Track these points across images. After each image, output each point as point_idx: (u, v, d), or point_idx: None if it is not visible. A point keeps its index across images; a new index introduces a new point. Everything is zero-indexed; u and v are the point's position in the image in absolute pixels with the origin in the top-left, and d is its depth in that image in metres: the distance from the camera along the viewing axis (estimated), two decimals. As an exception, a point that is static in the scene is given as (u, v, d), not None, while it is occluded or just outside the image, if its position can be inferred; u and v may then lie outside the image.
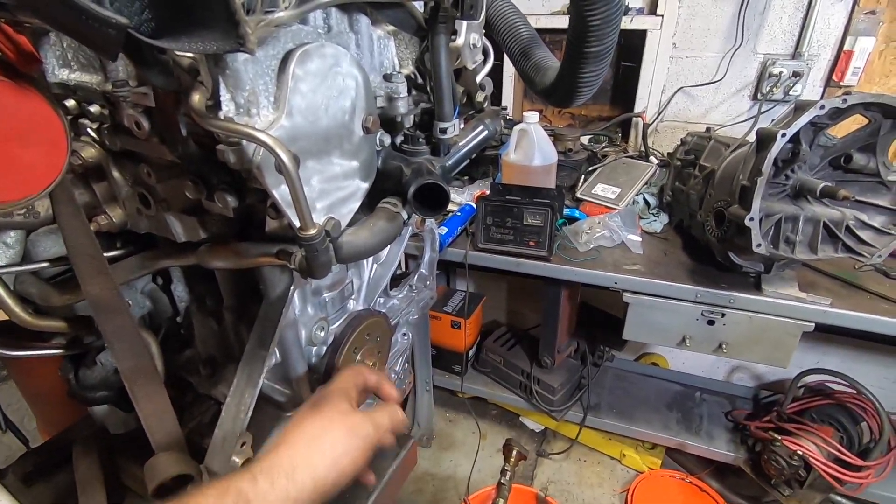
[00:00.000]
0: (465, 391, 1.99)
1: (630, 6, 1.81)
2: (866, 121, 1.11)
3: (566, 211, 1.62)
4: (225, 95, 0.35)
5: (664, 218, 1.62)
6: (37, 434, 1.45)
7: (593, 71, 0.41)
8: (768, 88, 1.65)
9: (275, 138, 0.34)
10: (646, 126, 1.85)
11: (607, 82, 2.04)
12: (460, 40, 0.51)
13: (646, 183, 1.74)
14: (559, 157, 1.81)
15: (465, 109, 0.57)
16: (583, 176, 1.83)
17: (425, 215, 0.47)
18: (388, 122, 0.51)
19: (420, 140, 0.50)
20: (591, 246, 1.48)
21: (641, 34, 1.79)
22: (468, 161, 0.53)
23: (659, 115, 1.86)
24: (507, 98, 2.05)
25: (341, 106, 0.43)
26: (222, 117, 0.35)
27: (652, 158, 1.83)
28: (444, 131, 0.49)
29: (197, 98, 0.34)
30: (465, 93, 0.55)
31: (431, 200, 0.47)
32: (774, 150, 1.06)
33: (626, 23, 1.77)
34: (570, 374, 1.87)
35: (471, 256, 1.50)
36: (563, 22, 1.87)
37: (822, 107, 1.03)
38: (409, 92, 0.49)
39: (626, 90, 1.94)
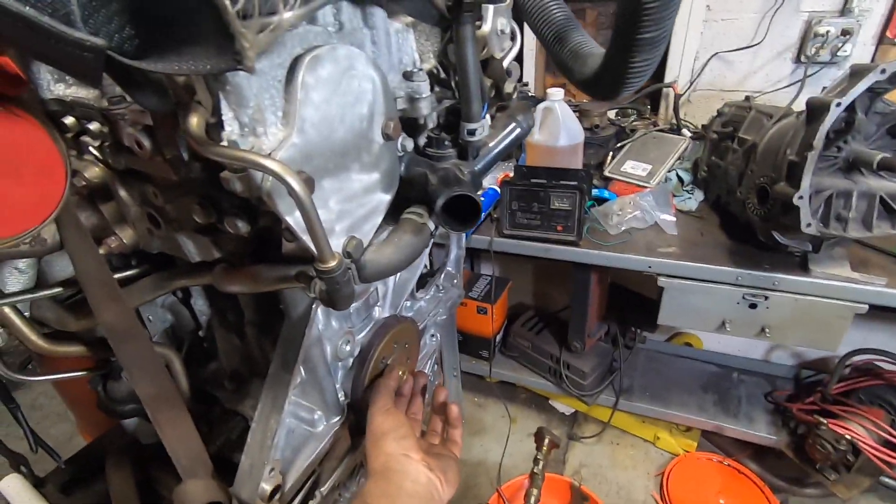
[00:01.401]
0: (493, 376, 1.97)
1: (659, -34, 1.69)
2: (931, 84, 1.01)
3: (595, 191, 1.55)
4: (227, 114, 0.31)
5: (699, 195, 1.53)
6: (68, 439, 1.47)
7: (646, 60, 0.36)
8: (814, 50, 1.52)
9: (283, 164, 0.30)
10: (677, 97, 1.74)
11: (634, 50, 1.93)
12: (487, 27, 0.45)
13: (678, 158, 1.64)
14: (585, 134, 1.72)
15: (493, 101, 0.51)
16: (611, 153, 1.75)
17: (455, 229, 0.43)
18: (410, 124, 0.46)
19: (446, 143, 0.45)
20: (623, 228, 1.41)
21: (671, -3, 1.66)
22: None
23: (692, 84, 1.74)
24: (529, 73, 1.95)
25: (358, 113, 0.38)
26: (225, 140, 0.31)
27: (685, 131, 1.73)
28: (472, 133, 0.44)
29: (195, 121, 0.29)
30: (493, 84, 0.50)
31: (461, 212, 0.42)
32: (828, 121, 0.97)
33: (655, -15, 1.65)
34: (601, 357, 1.82)
35: (496, 243, 1.45)
36: (586, -12, 1.76)
37: (883, 70, 0.93)
38: (431, 89, 0.44)
39: (654, 58, 1.83)
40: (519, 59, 1.95)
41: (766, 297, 1.25)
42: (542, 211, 1.38)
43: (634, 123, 1.85)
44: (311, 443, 0.58)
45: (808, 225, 1.05)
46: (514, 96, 0.51)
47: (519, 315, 2.06)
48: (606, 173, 1.67)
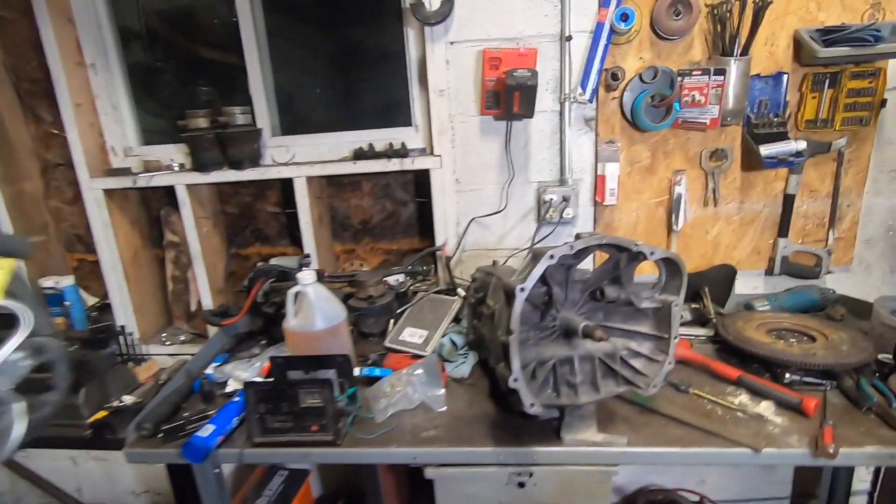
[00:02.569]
0: None
1: (412, 147, 1.85)
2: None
3: (366, 370, 1.45)
4: None
5: (472, 358, 1.52)
6: None
7: None
8: (545, 213, 1.70)
9: None
10: (448, 259, 1.82)
11: (411, 216, 2.03)
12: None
13: (453, 320, 1.65)
14: (363, 303, 1.68)
15: None
16: (392, 320, 1.71)
17: None
18: None
19: None
20: (391, 412, 1.30)
21: (426, 173, 1.80)
22: None
23: (459, 245, 1.84)
24: (309, 244, 1.92)
25: None
26: None
27: (460, 290, 1.77)
28: None
29: None
30: None
31: None
32: (517, 306, 1.00)
33: (410, 164, 1.78)
34: (416, 550, 1.60)
35: (248, 455, 1.24)
36: (350, 168, 1.85)
37: (552, 256, 1.01)
38: None
39: (429, 223, 1.92)
40: (296, 231, 1.94)
41: (531, 474, 1.19)
42: (294, 410, 1.22)
43: (416, 286, 1.87)
44: None
45: (532, 405, 1.03)
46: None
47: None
48: (387, 343, 1.61)
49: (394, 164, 1.79)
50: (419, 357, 1.54)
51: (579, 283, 1.17)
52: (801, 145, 1.50)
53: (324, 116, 2.00)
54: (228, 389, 1.46)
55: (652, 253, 1.09)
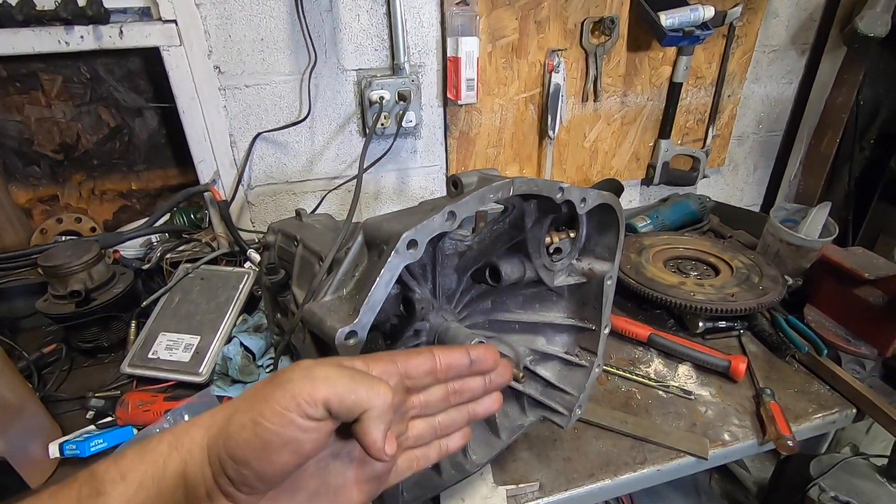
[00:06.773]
0: None
1: (119, 5, 1.00)
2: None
3: (73, 446, 0.77)
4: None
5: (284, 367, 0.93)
6: None
7: None
8: (374, 120, 1.09)
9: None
10: (223, 204, 1.11)
11: (156, 133, 1.22)
12: None
13: (241, 310, 1.02)
14: (66, 304, 0.95)
15: None
16: (134, 322, 1.00)
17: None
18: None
19: None
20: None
21: (155, 55, 1.00)
22: None
23: (241, 180, 1.14)
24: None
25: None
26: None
27: (251, 254, 1.11)
28: None
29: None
30: None
31: None
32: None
33: (116, 37, 0.96)
34: None
35: None
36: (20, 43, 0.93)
37: (412, 243, 0.44)
38: None
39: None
40: None
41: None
42: None
43: (179, 252, 1.14)
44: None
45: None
46: None
47: None
48: (126, 368, 0.93)
49: (81, 39, 0.95)
50: (188, 386, 0.91)
51: (453, 258, 0.64)
52: (710, 12, 1.11)
53: None
54: None
55: (583, 201, 0.59)
